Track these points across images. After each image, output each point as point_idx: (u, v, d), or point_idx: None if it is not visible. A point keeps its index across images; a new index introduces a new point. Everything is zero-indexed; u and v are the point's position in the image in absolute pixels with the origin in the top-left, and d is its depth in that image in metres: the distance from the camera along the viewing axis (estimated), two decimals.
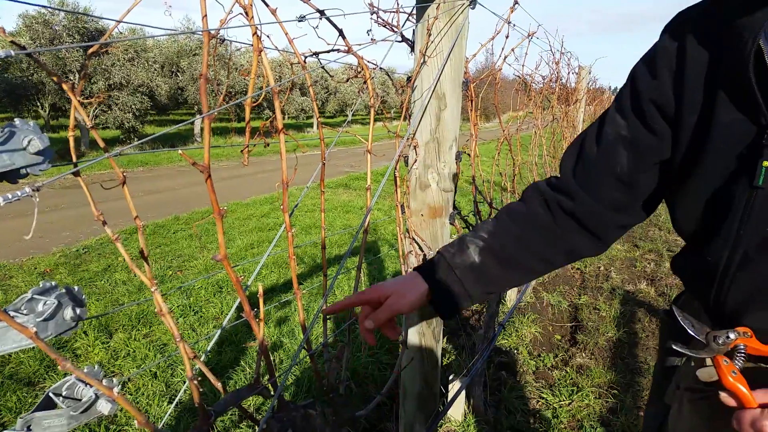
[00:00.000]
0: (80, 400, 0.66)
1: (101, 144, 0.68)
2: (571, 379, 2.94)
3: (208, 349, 1.01)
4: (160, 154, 13.82)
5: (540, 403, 2.72)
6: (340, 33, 1.37)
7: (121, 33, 15.10)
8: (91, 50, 0.73)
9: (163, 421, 1.63)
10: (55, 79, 0.63)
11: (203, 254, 5.22)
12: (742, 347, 0.79)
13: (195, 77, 17.08)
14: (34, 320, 0.59)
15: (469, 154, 2.32)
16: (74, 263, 4.85)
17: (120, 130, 14.90)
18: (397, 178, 1.45)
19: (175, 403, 1.75)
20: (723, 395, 0.76)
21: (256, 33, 0.93)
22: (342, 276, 4.37)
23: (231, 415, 2.47)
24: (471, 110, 2.26)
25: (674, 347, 0.84)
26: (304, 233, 6.16)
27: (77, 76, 13.07)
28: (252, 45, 0.95)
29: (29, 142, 0.56)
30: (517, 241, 0.98)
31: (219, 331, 0.99)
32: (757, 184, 0.74)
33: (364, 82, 1.37)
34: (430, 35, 1.54)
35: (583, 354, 3.28)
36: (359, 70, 1.36)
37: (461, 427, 2.38)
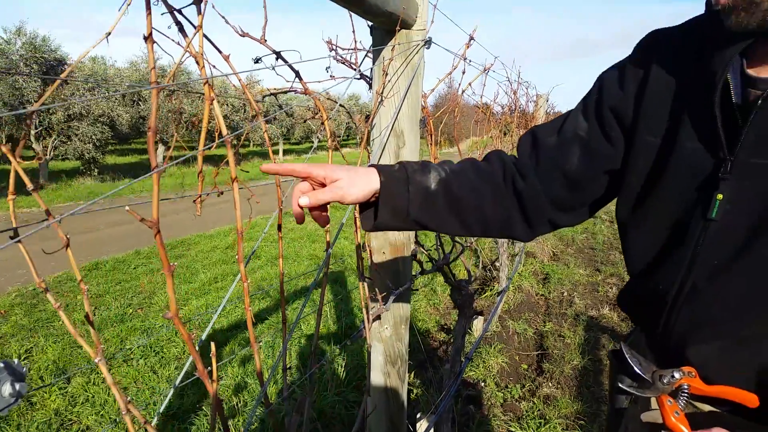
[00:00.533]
0: None
1: (43, 206, 0.66)
2: (539, 410, 2.94)
3: (162, 408, 0.97)
4: (120, 184, 13.56)
5: None
6: (297, 75, 1.36)
7: (81, 62, 14.89)
8: (40, 101, 0.71)
9: None
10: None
11: (165, 290, 5.10)
12: (685, 387, 0.80)
13: (158, 106, 16.91)
14: None
15: None
16: (31, 303, 4.68)
17: (80, 161, 14.59)
18: (357, 219, 1.44)
19: None
20: None
21: (207, 83, 0.92)
22: (308, 309, 4.32)
23: None
24: (430, 144, 2.27)
25: (620, 385, 0.85)
26: (270, 265, 6.07)
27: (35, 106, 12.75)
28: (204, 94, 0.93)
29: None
30: (472, 189, 0.97)
31: (171, 392, 0.95)
32: (711, 217, 0.75)
33: (322, 123, 1.37)
34: (386, 75, 1.55)
35: (550, 383, 3.29)
36: (317, 111, 1.36)
37: None
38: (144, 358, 3.58)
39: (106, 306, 4.66)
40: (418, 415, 2.30)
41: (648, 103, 0.84)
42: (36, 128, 12.94)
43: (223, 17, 1.30)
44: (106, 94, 13.44)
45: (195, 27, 0.93)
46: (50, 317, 4.34)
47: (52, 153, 13.58)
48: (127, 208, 0.72)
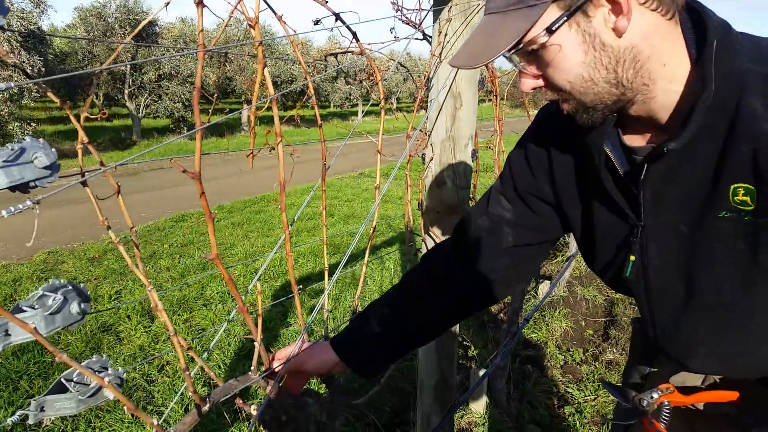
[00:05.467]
0: (88, 385, 0.74)
1: (97, 158, 0.75)
2: (600, 374, 2.93)
3: (215, 341, 1.08)
4: (209, 142, 14.19)
5: (565, 397, 2.72)
6: (354, 36, 1.41)
7: (171, 23, 15.49)
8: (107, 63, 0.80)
9: (173, 403, 1.73)
10: (59, 103, 0.70)
11: (244, 243, 5.38)
12: (666, 404, 0.86)
13: (242, 67, 17.40)
14: (42, 314, 0.66)
15: (492, 149, 2.34)
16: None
17: (170, 119, 15.36)
18: (408, 178, 1.49)
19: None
20: None
21: (261, 44, 0.98)
22: (374, 265, 4.45)
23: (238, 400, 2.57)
24: (495, 105, 2.27)
25: (605, 416, 0.93)
26: (342, 222, 6.26)
27: (128, 66, 13.50)
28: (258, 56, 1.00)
29: (37, 157, 0.63)
30: (414, 315, 1.06)
31: (225, 325, 1.06)
32: (626, 276, 0.83)
33: (377, 83, 1.41)
34: (445, 35, 1.57)
35: (615, 349, 3.26)
36: (371, 72, 1.41)
37: (482, 419, 2.42)
38: (222, 303, 3.84)
39: (189, 255, 4.99)
40: (473, 368, 2.37)
41: (560, 183, 0.91)
42: (129, 87, 13.70)
43: None
44: (194, 54, 14.01)
45: None
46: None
47: (144, 111, 14.36)
48: (171, 159, 0.81)
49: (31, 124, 11.22)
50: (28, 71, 10.05)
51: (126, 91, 13.79)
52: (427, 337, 1.12)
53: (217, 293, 4.00)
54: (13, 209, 0.56)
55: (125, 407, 0.62)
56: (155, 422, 0.65)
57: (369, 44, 1.84)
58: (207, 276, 4.27)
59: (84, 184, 0.71)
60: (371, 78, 1.43)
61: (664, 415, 0.85)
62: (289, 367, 1.01)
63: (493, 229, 1.00)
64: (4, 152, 0.63)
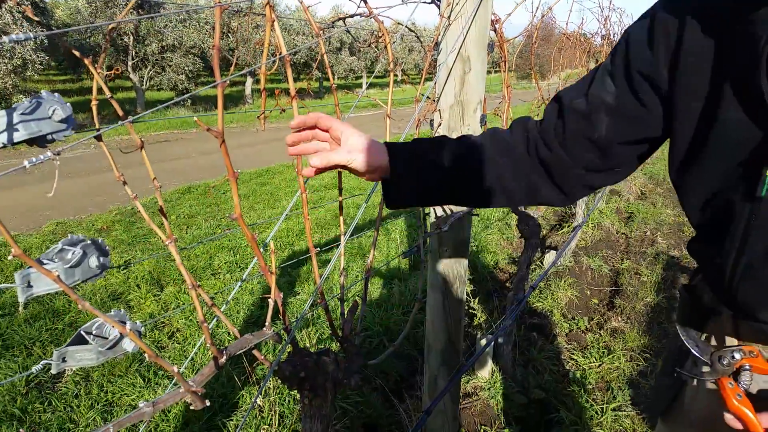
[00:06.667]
0: (107, 338, 0.76)
1: (120, 112, 0.75)
2: (604, 342, 2.96)
3: (231, 296, 1.10)
4: (213, 116, 14.13)
5: (570, 364, 2.76)
6: None
7: None
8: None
9: (188, 359, 1.76)
10: (79, 56, 0.70)
11: (251, 214, 5.40)
12: (747, 367, 0.77)
13: (245, 38, 17.23)
14: (62, 267, 0.67)
15: (500, 116, 2.32)
16: (129, 221, 5.11)
17: (174, 91, 15.27)
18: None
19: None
20: (728, 417, 0.75)
21: (269, 3, 0.98)
22: (381, 235, 4.46)
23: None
24: (503, 71, 2.25)
25: (679, 370, 0.84)
26: (348, 194, 6.27)
27: (131, 38, 13.41)
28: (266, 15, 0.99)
29: (54, 111, 0.64)
30: (489, 163, 0.94)
31: (239, 284, 1.07)
32: (760, 195, 0.69)
33: (385, 47, 1.40)
34: None
35: (619, 318, 3.28)
36: (380, 35, 1.40)
37: (488, 383, 2.45)
38: (230, 272, 3.87)
39: (197, 226, 5.01)
40: (479, 335, 2.39)
41: (685, 67, 0.76)
42: (132, 59, 13.62)
43: None
44: (197, 25, 13.87)
45: None
46: (146, 234, 4.73)
47: (147, 83, 14.30)
48: (195, 118, 0.81)
49: None
50: (31, 44, 9.99)
51: (129, 63, 13.71)
52: (490, 200, 0.98)
53: (225, 263, 4.03)
54: (35, 159, 0.57)
55: (146, 355, 0.64)
56: (176, 369, 0.66)
57: (377, 8, 1.82)
58: (215, 247, 4.30)
59: (99, 138, 0.71)
60: (380, 40, 1.42)
61: (745, 380, 0.76)
62: (339, 160, 0.87)
63: (589, 114, 0.87)
64: (21, 106, 0.64)
